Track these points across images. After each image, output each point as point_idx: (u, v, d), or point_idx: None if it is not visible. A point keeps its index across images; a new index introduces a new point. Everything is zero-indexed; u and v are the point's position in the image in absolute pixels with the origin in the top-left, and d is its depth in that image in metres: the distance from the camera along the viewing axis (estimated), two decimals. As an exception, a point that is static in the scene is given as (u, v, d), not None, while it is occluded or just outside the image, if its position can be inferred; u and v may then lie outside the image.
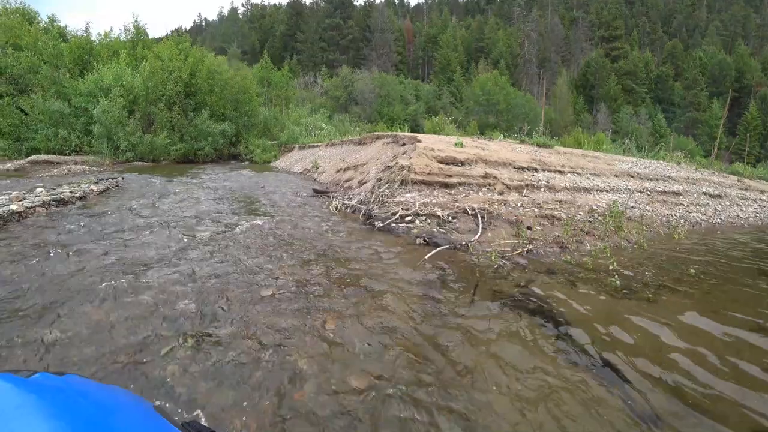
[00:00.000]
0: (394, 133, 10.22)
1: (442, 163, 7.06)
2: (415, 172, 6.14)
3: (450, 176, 6.58)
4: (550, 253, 4.41)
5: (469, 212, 5.25)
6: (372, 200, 5.74)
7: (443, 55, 59.11)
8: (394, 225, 4.89)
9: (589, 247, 5.04)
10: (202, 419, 1.78)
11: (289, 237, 4.49)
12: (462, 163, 7.39)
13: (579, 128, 33.68)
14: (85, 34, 23.61)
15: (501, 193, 6.98)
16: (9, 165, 14.24)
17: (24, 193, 7.30)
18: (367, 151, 9.96)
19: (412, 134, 9.31)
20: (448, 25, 71.85)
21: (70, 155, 15.75)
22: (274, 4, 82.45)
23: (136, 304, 2.69)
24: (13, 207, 5.89)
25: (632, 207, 8.00)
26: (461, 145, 8.44)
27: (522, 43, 63.82)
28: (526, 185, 7.71)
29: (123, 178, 10.10)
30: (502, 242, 4.36)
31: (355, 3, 75.29)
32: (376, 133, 11.51)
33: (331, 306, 2.75)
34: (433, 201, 5.62)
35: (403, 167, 6.08)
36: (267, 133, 19.90)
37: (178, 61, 18.23)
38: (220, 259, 3.63)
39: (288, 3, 75.26)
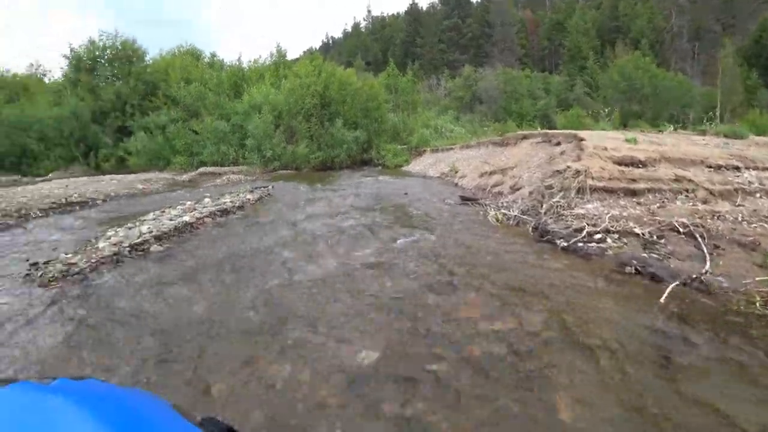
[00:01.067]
0: (545, 131, 9.13)
1: (619, 164, 5.89)
2: (593, 177, 5.14)
3: (634, 180, 5.40)
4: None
5: (680, 230, 4.11)
6: (544, 211, 4.93)
7: (572, 42, 53.49)
8: (581, 244, 4.04)
9: None
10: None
11: (458, 260, 3.95)
12: (643, 164, 6.09)
13: (755, 109, 26.95)
14: (237, 63, 27.22)
15: (705, 202, 5.53)
16: (184, 176, 16.74)
17: (195, 203, 8.17)
18: (513, 153, 9.05)
19: (568, 132, 8.15)
20: (575, 7, 64.85)
21: (228, 167, 17.92)
22: (393, 14, 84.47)
23: (310, 357, 2.40)
24: (186, 218, 6.51)
25: None
26: (634, 141, 7.06)
27: (669, 14, 54.23)
28: (735, 190, 6.08)
29: (273, 187, 10.88)
30: (757, 279, 3.19)
31: (472, 0, 73.16)
32: (521, 132, 10.50)
33: (550, 375, 2.10)
34: (624, 213, 4.58)
35: (578, 172, 5.13)
36: (396, 137, 20.04)
37: (313, 77, 19.47)
38: (395, 295, 3.21)
39: (406, 11, 76.45)
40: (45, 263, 4.55)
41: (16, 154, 19.96)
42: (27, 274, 4.24)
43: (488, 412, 1.84)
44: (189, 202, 8.28)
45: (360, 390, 2.05)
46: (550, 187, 5.19)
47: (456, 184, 9.85)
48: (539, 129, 14.31)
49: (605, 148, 6.01)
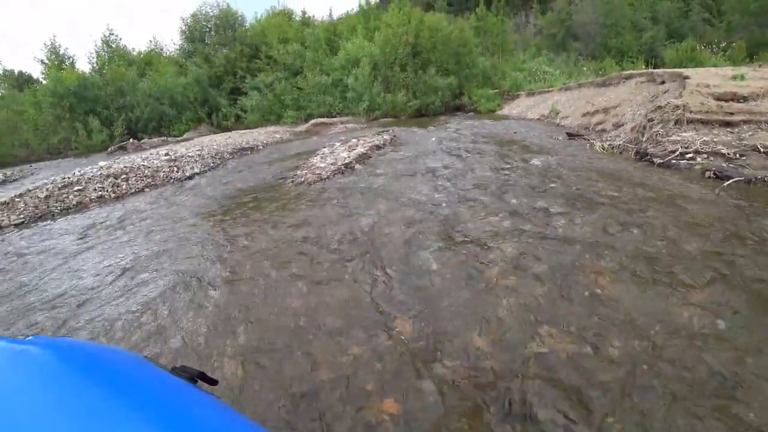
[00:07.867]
0: (650, 70, 9.81)
1: (719, 100, 6.84)
2: (691, 111, 6.28)
3: (731, 113, 6.40)
4: None
5: (761, 150, 5.28)
6: (644, 139, 6.25)
7: (691, -48, 46.00)
8: (674, 161, 5.42)
9: None
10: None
11: (579, 172, 5.51)
12: (745, 99, 6.96)
13: None
14: (329, 18, 28.74)
15: (797, 129, 6.39)
16: (300, 128, 18.96)
17: (346, 144, 10.27)
18: (616, 93, 9.94)
19: (674, 70, 8.87)
20: None
21: (336, 117, 20.15)
22: (475, -57, 78.36)
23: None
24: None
25: None
26: (742, 77, 7.73)
27: None
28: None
29: (392, 131, 12.65)
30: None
31: None
32: (625, 72, 11.16)
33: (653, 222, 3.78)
34: (715, 140, 5.78)
35: (677, 107, 6.30)
36: (487, 82, 20.79)
37: (403, 25, 20.47)
38: (552, 186, 4.98)
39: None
40: (295, 176, 7.14)
41: (156, 119, 23.97)
42: (299, 183, 6.67)
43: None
44: (337, 144, 10.46)
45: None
46: (651, 120, 6.40)
47: (558, 125, 10.98)
48: (643, 67, 14.38)
49: (708, 85, 6.94)
